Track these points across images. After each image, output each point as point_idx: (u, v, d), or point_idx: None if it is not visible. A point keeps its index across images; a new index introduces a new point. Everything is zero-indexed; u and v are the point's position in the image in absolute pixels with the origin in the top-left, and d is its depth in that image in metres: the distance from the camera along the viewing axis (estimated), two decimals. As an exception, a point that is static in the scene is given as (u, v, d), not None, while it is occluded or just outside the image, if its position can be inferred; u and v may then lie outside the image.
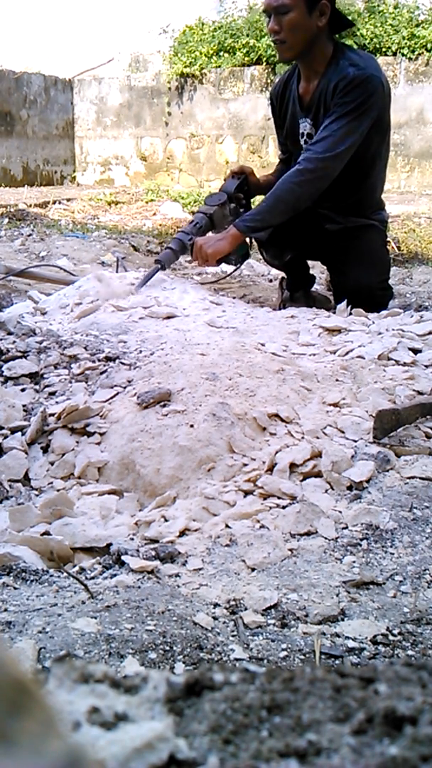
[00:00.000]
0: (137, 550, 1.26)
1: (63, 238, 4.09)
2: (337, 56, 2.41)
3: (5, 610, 1.06)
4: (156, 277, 2.50)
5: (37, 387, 1.79)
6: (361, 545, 1.27)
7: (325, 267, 3.32)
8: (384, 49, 7.09)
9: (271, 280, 3.36)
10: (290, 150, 2.69)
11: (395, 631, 1.04)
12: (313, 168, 2.37)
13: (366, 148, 2.43)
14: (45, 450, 1.60)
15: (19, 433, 1.62)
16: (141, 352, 1.88)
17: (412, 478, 1.47)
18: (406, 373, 1.84)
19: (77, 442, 1.60)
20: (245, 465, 1.49)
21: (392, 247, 3.98)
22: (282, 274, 2.97)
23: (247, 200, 2.69)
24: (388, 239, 2.80)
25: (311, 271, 3.05)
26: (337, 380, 1.81)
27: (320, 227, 2.58)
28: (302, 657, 0.99)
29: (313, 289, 2.98)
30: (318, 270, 3.40)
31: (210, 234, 2.54)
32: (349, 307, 2.42)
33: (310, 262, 2.97)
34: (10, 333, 2.00)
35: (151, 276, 2.42)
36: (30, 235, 4.10)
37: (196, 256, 2.49)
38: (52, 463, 1.57)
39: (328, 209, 2.54)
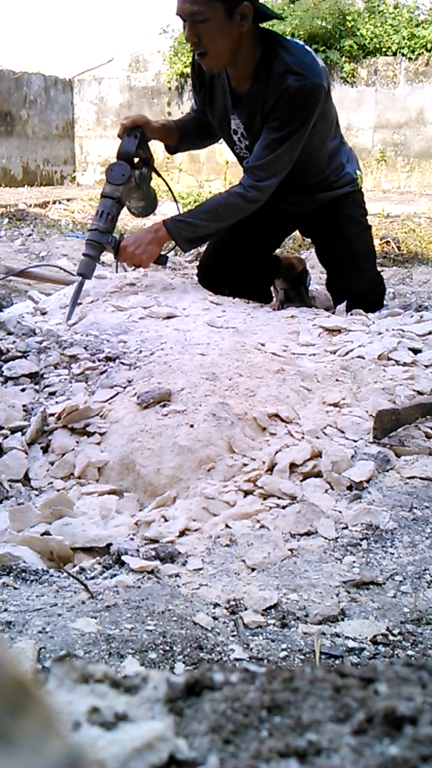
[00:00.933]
0: (137, 550, 1.26)
1: (63, 238, 4.09)
2: (269, 59, 2.18)
3: (5, 610, 1.06)
4: (156, 276, 2.49)
5: (37, 387, 1.79)
6: (361, 545, 1.27)
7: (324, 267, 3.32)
8: (384, 49, 7.09)
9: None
10: (203, 117, 2.49)
11: (395, 631, 1.04)
12: (259, 192, 2.27)
13: (308, 142, 2.28)
14: (45, 450, 1.60)
15: (19, 433, 1.62)
16: (141, 352, 1.88)
17: (412, 478, 1.47)
18: (406, 373, 1.84)
19: (77, 442, 1.60)
20: (245, 465, 1.49)
21: (392, 247, 3.99)
22: None
23: (148, 151, 2.41)
24: (387, 238, 2.78)
25: (311, 272, 3.04)
26: (337, 380, 1.81)
27: (286, 215, 2.50)
28: (302, 657, 0.99)
29: (312, 288, 2.98)
30: (318, 270, 3.40)
31: (132, 235, 2.37)
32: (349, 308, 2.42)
33: (309, 263, 2.96)
34: (10, 333, 2.00)
35: (79, 293, 2.22)
36: (30, 235, 4.10)
37: (128, 261, 2.35)
38: (52, 463, 1.57)
39: (289, 197, 2.44)
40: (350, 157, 2.55)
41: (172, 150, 2.62)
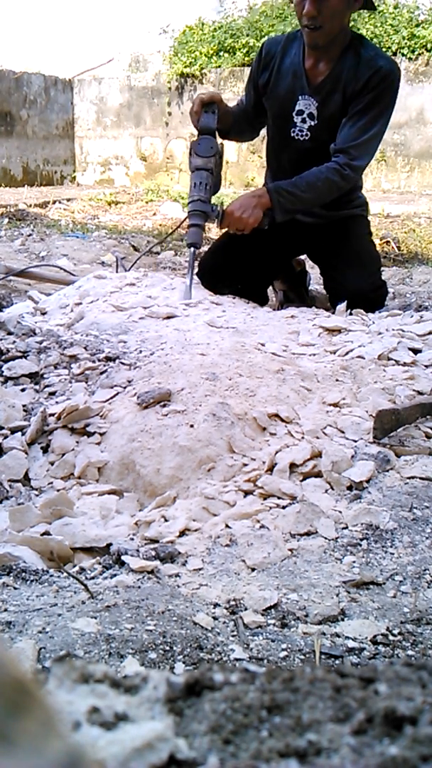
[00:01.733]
0: (137, 550, 1.26)
1: (63, 238, 4.09)
2: (355, 43, 2.35)
3: (5, 610, 1.06)
4: (156, 276, 2.49)
5: (37, 387, 1.79)
6: (361, 545, 1.27)
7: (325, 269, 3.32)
8: (384, 49, 7.08)
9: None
10: (251, 111, 2.58)
11: (395, 631, 1.04)
12: (355, 173, 2.37)
13: None
14: (45, 450, 1.60)
15: (19, 433, 1.62)
16: (141, 352, 1.88)
17: (412, 478, 1.47)
18: (406, 373, 1.84)
19: (77, 442, 1.60)
20: (245, 465, 1.49)
21: (392, 247, 3.98)
22: None
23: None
24: (387, 238, 2.79)
25: (311, 272, 3.04)
26: (337, 380, 1.81)
27: (295, 226, 2.54)
28: (302, 657, 0.99)
29: (312, 288, 2.98)
30: (318, 270, 3.40)
31: (236, 201, 2.41)
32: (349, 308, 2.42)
33: (309, 263, 2.96)
34: (10, 333, 2.00)
35: (193, 264, 2.33)
36: (30, 235, 4.10)
37: (232, 226, 2.37)
38: (52, 463, 1.57)
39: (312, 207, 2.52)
40: (361, 190, 2.64)
41: (222, 135, 2.65)
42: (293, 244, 2.67)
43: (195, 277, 2.40)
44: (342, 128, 2.35)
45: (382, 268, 3.43)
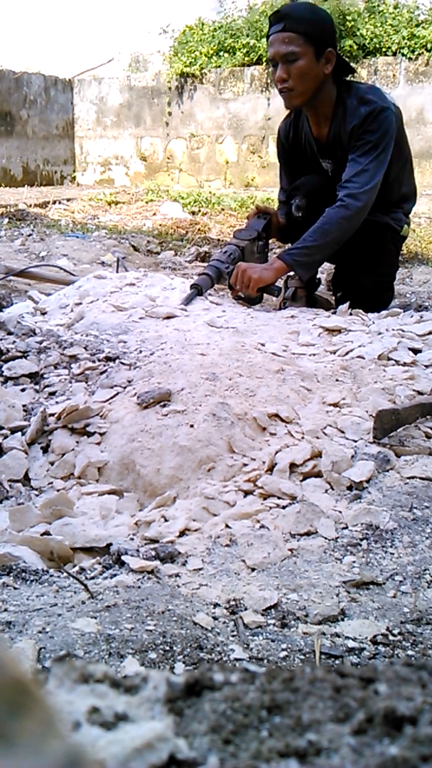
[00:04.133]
0: (137, 550, 1.26)
1: (63, 238, 4.09)
2: (342, 97, 2.46)
3: (5, 610, 1.06)
4: (156, 277, 2.49)
5: (37, 387, 1.79)
6: (361, 545, 1.27)
7: (325, 267, 3.32)
8: (384, 49, 7.09)
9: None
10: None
11: (395, 631, 1.04)
12: (358, 204, 2.39)
13: (385, 178, 2.49)
14: (45, 450, 1.60)
15: (19, 433, 1.62)
16: (141, 352, 1.88)
17: (412, 478, 1.47)
18: (406, 373, 1.84)
19: (77, 442, 1.60)
20: (245, 465, 1.49)
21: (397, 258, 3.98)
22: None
23: (266, 241, 2.72)
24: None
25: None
26: (337, 380, 1.81)
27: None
28: (302, 657, 0.99)
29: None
30: (317, 270, 3.40)
31: (252, 262, 2.53)
32: (349, 308, 2.42)
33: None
34: (10, 333, 2.00)
35: (189, 302, 2.34)
36: (30, 235, 4.10)
37: (238, 280, 2.44)
38: (52, 463, 1.57)
39: None
40: (403, 210, 2.69)
41: (280, 239, 2.89)
42: None
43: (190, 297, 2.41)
44: (344, 171, 2.46)
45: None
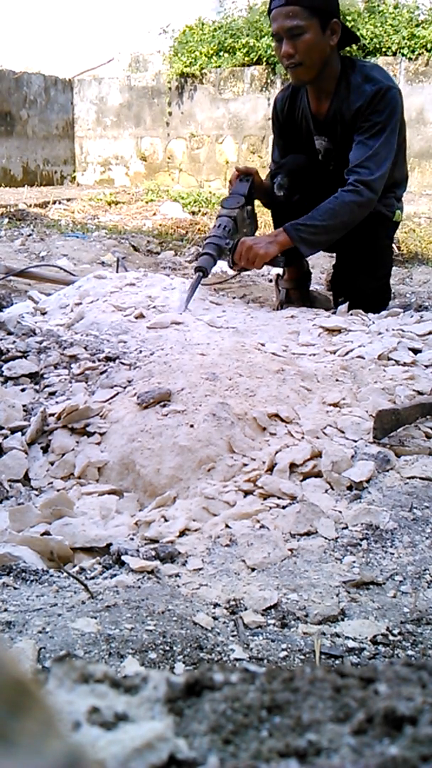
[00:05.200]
0: (137, 550, 1.26)
1: (63, 238, 4.09)
2: (346, 72, 2.43)
3: (5, 610, 1.06)
4: (157, 276, 2.49)
5: (37, 387, 1.79)
6: (361, 545, 1.27)
7: (324, 267, 3.33)
8: (384, 49, 7.08)
9: (271, 281, 3.36)
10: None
11: (395, 631, 1.04)
12: (370, 192, 2.37)
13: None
14: (45, 450, 1.60)
15: (19, 433, 1.62)
16: (141, 352, 1.88)
17: (412, 478, 1.47)
18: (406, 373, 1.84)
19: (77, 442, 1.60)
20: (245, 465, 1.49)
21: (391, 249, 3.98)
22: (277, 271, 2.96)
23: (252, 202, 2.67)
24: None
25: (311, 270, 3.04)
26: (337, 380, 1.81)
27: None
28: (302, 657, 0.99)
29: (312, 288, 2.98)
30: (318, 270, 3.40)
31: (257, 235, 2.50)
32: (349, 308, 2.42)
33: (311, 263, 2.96)
34: (10, 333, 2.00)
35: (196, 286, 2.33)
36: (30, 235, 4.10)
37: (243, 257, 2.40)
38: (52, 463, 1.57)
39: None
40: (395, 196, 2.65)
41: (265, 204, 2.83)
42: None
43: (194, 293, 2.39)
44: (351, 153, 2.42)
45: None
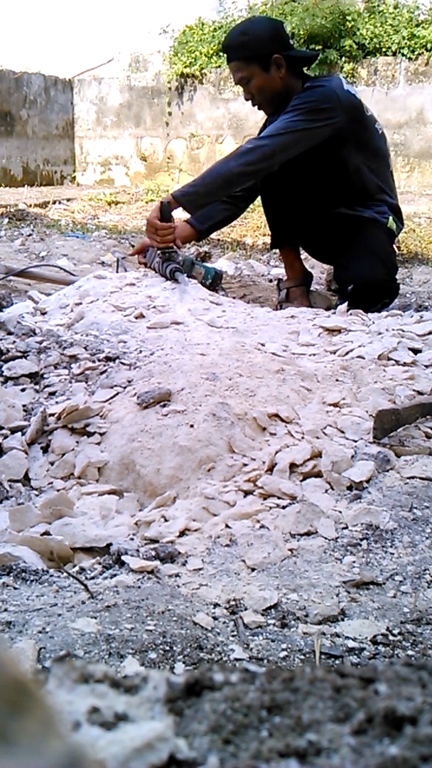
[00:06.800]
0: (137, 550, 1.26)
1: (63, 238, 4.09)
2: (305, 89, 2.55)
3: (5, 610, 1.06)
4: (156, 277, 2.49)
5: (37, 387, 1.79)
6: (361, 545, 1.27)
7: (324, 267, 3.33)
8: (384, 49, 7.08)
9: (271, 280, 3.36)
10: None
11: (395, 631, 1.04)
12: (249, 147, 2.46)
13: (343, 162, 2.56)
14: (45, 450, 1.60)
15: (19, 433, 1.62)
16: (141, 352, 1.88)
17: (412, 478, 1.47)
18: (406, 373, 1.84)
19: (77, 442, 1.60)
20: (245, 465, 1.49)
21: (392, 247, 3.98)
22: (280, 273, 2.97)
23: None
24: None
25: (311, 271, 3.04)
26: (337, 380, 1.81)
27: (317, 213, 2.69)
28: (302, 657, 0.99)
29: (312, 288, 2.98)
30: (318, 270, 3.40)
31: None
32: (349, 307, 2.42)
33: (309, 262, 2.97)
34: (10, 333, 2.00)
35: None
36: (30, 235, 4.09)
37: (157, 234, 2.48)
38: (52, 463, 1.57)
39: (321, 201, 2.66)
40: (385, 205, 2.70)
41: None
42: (312, 236, 2.81)
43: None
44: None
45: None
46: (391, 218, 2.69)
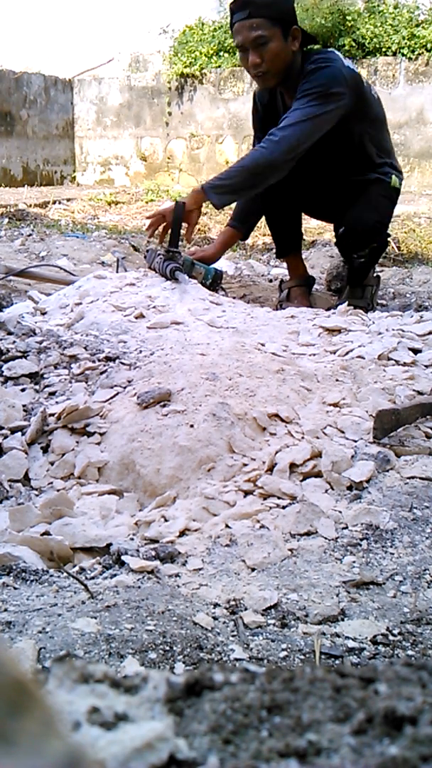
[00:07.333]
0: (137, 550, 1.26)
1: (63, 238, 4.09)
2: (305, 67, 2.54)
3: (5, 610, 1.06)
4: (156, 277, 2.49)
5: (37, 387, 1.79)
6: (361, 545, 1.27)
7: (325, 267, 3.33)
8: (384, 49, 7.08)
9: (271, 280, 3.36)
10: None
11: (395, 631, 1.04)
12: (276, 139, 2.43)
13: (349, 136, 2.56)
14: (45, 450, 1.60)
15: (19, 433, 1.62)
16: (141, 352, 1.88)
17: (412, 478, 1.47)
18: (406, 373, 1.84)
19: (77, 442, 1.60)
20: (245, 465, 1.49)
21: (392, 247, 3.98)
22: (283, 273, 2.97)
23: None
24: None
25: (311, 272, 3.05)
26: (337, 380, 1.81)
27: (317, 184, 2.71)
28: (302, 657, 0.99)
29: (313, 290, 2.99)
30: (318, 270, 3.40)
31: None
32: (349, 307, 2.42)
33: (309, 263, 2.97)
34: (10, 333, 2.00)
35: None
36: (30, 235, 4.09)
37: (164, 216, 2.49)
38: (52, 463, 1.57)
39: (324, 171, 2.66)
40: (389, 165, 2.72)
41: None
42: (314, 202, 2.84)
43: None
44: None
45: (382, 269, 3.44)
46: (394, 176, 2.70)
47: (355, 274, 2.78)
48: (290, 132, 2.42)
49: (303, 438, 1.56)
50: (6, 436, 1.61)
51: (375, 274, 2.92)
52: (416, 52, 6.95)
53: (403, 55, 7.00)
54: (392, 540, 1.28)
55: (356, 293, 2.76)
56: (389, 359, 1.95)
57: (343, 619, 1.08)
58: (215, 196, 2.46)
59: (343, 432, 1.61)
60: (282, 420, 1.61)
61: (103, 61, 9.15)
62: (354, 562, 1.22)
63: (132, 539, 1.32)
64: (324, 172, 2.66)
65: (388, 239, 2.87)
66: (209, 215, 5.31)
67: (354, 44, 7.00)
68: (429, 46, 6.90)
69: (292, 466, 1.48)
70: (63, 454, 1.57)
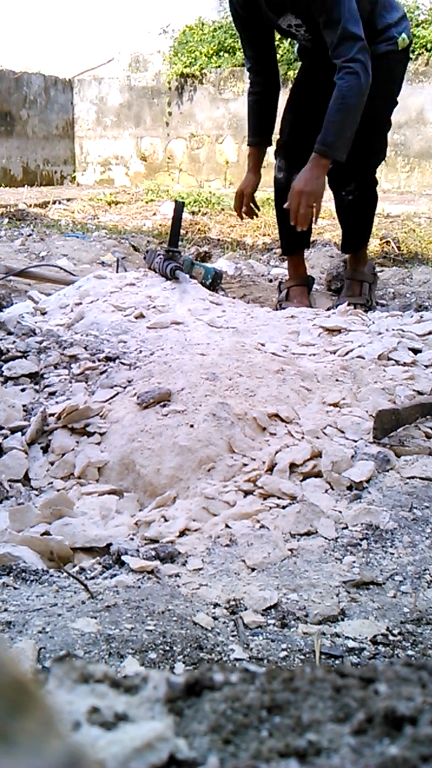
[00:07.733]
0: (137, 550, 1.26)
1: (63, 238, 4.09)
2: None
3: (5, 610, 1.06)
4: (157, 277, 2.49)
5: (37, 387, 1.79)
6: (361, 545, 1.27)
7: (325, 267, 3.33)
8: (384, 49, 7.07)
9: (271, 280, 3.36)
10: (260, 57, 2.74)
11: (395, 631, 1.04)
12: (356, 61, 2.34)
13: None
14: (45, 450, 1.60)
15: (19, 433, 1.62)
16: (141, 352, 1.88)
17: (412, 478, 1.47)
18: (406, 373, 1.84)
19: (77, 442, 1.60)
20: (245, 465, 1.49)
21: (392, 247, 3.98)
22: (283, 273, 2.97)
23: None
24: (387, 238, 2.79)
25: (311, 272, 3.05)
26: (337, 380, 1.81)
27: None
28: (302, 657, 0.99)
29: (312, 290, 2.99)
30: (318, 270, 3.40)
31: (298, 179, 2.45)
32: (349, 306, 2.42)
33: (309, 263, 2.97)
34: (10, 333, 2.00)
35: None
36: (30, 235, 4.09)
37: (301, 203, 2.38)
38: (52, 463, 1.57)
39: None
40: (391, 31, 2.59)
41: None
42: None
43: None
44: (325, 37, 2.41)
45: (382, 269, 3.44)
46: (399, 38, 2.59)
47: (347, 225, 2.71)
48: (361, 48, 2.33)
49: (303, 438, 1.56)
50: (6, 436, 1.61)
51: (373, 272, 2.92)
52: (416, 52, 6.95)
53: (403, 55, 6.98)
54: (392, 540, 1.28)
55: (354, 290, 2.75)
56: (389, 359, 1.95)
57: (343, 619, 1.08)
58: (339, 152, 2.37)
59: (343, 432, 1.61)
60: (282, 420, 1.61)
61: (103, 61, 9.15)
62: (354, 562, 1.22)
63: (132, 539, 1.32)
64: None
65: (383, 159, 2.80)
66: (209, 215, 5.31)
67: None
68: (429, 46, 6.90)
69: (292, 466, 1.48)
70: (63, 454, 1.57)
